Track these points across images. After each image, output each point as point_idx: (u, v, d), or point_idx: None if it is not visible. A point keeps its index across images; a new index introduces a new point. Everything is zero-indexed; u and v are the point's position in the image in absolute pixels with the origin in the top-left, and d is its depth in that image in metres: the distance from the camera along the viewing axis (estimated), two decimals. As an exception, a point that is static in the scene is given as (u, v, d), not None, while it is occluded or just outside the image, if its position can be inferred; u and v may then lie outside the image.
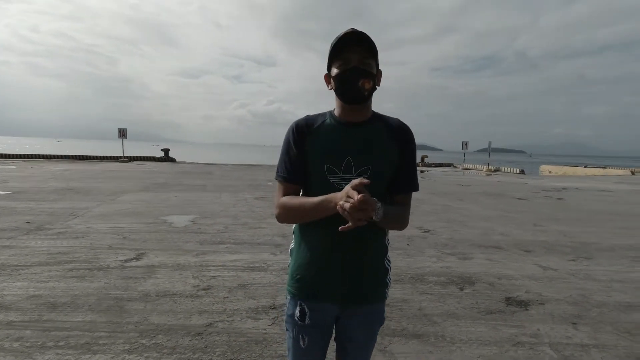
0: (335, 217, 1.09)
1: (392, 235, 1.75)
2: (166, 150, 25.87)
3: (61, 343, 2.37)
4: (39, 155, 24.42)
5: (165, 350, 2.33)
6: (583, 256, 4.74)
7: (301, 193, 1.25)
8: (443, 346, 2.50)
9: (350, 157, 1.17)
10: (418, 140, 1.42)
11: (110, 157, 24.58)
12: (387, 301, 1.33)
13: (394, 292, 3.31)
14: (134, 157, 25.18)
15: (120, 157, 23.50)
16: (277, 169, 1.26)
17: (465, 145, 27.09)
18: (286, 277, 3.66)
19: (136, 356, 2.26)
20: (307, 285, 1.23)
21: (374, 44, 1.13)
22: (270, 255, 4.37)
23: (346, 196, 1.00)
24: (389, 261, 1.28)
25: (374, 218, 1.02)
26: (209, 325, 2.67)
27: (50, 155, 24.79)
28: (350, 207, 0.97)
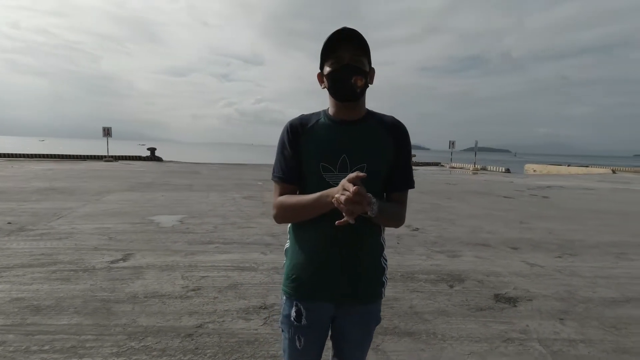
0: (331, 215, 1.08)
1: (386, 233, 1.75)
2: (152, 150, 25.48)
3: (46, 347, 2.31)
4: (20, 154, 23.79)
5: (154, 353, 2.29)
6: (568, 253, 4.84)
7: (297, 193, 1.23)
8: (435, 343, 2.51)
9: (346, 156, 1.16)
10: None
11: (95, 156, 24.11)
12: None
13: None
14: (119, 156, 24.74)
15: (105, 157, 23.07)
16: (273, 169, 1.24)
17: (452, 144, 27.42)
18: (277, 277, 3.65)
19: (125, 359, 2.22)
20: (303, 284, 1.22)
21: (365, 41, 1.12)
22: (260, 255, 4.34)
23: (342, 189, 1.00)
24: (386, 260, 1.28)
25: (369, 213, 1.03)
26: (199, 326, 2.63)
27: (32, 154, 24.17)
28: (346, 200, 0.96)
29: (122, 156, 24.93)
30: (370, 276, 1.24)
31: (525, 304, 3.20)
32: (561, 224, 6.80)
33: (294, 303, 1.23)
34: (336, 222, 1.02)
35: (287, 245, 1.30)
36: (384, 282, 1.27)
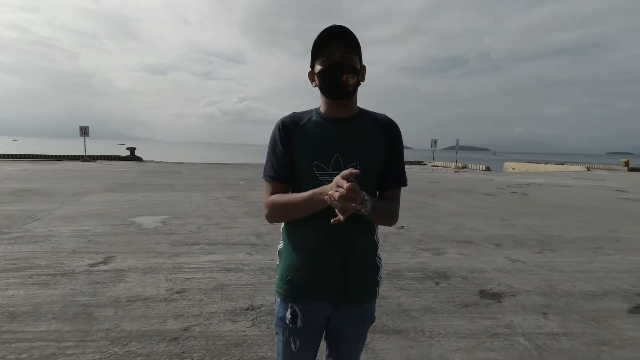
0: (325, 213, 1.07)
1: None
2: (132, 149, 24.88)
3: (24, 355, 2.21)
4: (-10, 154, 22.86)
5: (139, 358, 2.22)
6: (548, 248, 4.97)
7: (289, 192, 1.21)
8: (423, 341, 2.53)
9: (339, 154, 1.15)
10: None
11: (72, 156, 23.35)
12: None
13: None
14: (97, 156, 24.04)
15: (83, 156, 22.39)
16: (264, 168, 1.22)
17: (434, 143, 27.80)
18: (264, 277, 3.61)
19: (108, 365, 2.15)
20: (298, 285, 1.19)
21: (356, 39, 1.11)
22: (246, 255, 4.28)
23: (336, 186, 0.99)
24: (380, 259, 1.27)
25: (362, 211, 1.02)
26: (185, 329, 2.58)
27: (4, 154, 23.24)
28: (339, 196, 0.96)
29: (100, 156, 24.25)
30: (365, 275, 1.23)
31: (509, 299, 3.26)
32: (540, 220, 6.98)
33: (289, 305, 1.20)
34: (331, 220, 1.01)
35: (281, 246, 1.28)
36: (378, 281, 1.26)
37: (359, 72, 1.15)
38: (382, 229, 1.32)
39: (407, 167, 1.26)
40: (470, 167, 27.58)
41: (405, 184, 1.25)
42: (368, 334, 1.33)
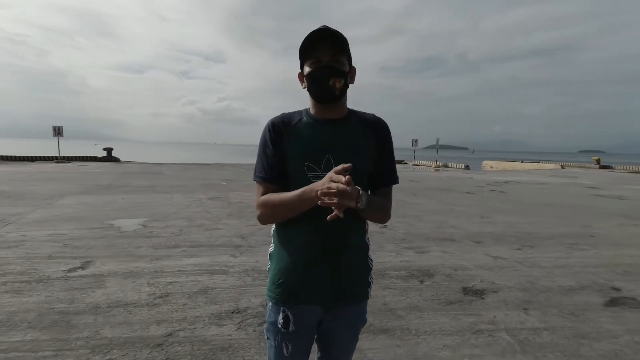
0: (316, 214, 1.07)
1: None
2: (109, 150, 24.21)
3: (-3, 367, 2.12)
4: (-44, 156, 21.79)
5: (121, 366, 2.16)
6: (527, 245, 5.10)
7: None
8: (409, 339, 2.56)
9: (330, 155, 1.14)
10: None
11: (45, 157, 22.51)
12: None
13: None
14: (72, 157, 23.28)
15: (56, 158, 21.61)
16: (255, 169, 1.20)
17: (415, 142, 28.19)
18: (249, 280, 3.56)
19: (88, 375, 2.08)
20: (290, 288, 1.18)
21: (346, 41, 1.11)
22: (230, 258, 4.22)
23: (329, 181, 0.99)
24: (372, 260, 1.28)
25: (358, 205, 1.03)
26: (170, 335, 2.52)
27: (-29, 156, 22.21)
28: (338, 192, 0.97)
29: (75, 157, 23.48)
30: (357, 276, 1.23)
31: (491, 295, 3.33)
32: (519, 217, 7.17)
33: (281, 309, 1.19)
34: (328, 217, 1.01)
35: (272, 248, 1.26)
36: (370, 282, 1.27)
37: (347, 75, 1.15)
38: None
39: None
40: (450, 166, 28.09)
41: (396, 182, 1.26)
42: (355, 335, 1.32)
